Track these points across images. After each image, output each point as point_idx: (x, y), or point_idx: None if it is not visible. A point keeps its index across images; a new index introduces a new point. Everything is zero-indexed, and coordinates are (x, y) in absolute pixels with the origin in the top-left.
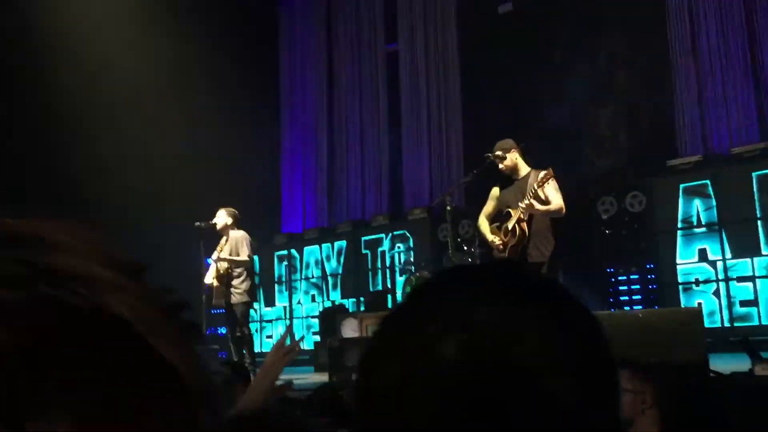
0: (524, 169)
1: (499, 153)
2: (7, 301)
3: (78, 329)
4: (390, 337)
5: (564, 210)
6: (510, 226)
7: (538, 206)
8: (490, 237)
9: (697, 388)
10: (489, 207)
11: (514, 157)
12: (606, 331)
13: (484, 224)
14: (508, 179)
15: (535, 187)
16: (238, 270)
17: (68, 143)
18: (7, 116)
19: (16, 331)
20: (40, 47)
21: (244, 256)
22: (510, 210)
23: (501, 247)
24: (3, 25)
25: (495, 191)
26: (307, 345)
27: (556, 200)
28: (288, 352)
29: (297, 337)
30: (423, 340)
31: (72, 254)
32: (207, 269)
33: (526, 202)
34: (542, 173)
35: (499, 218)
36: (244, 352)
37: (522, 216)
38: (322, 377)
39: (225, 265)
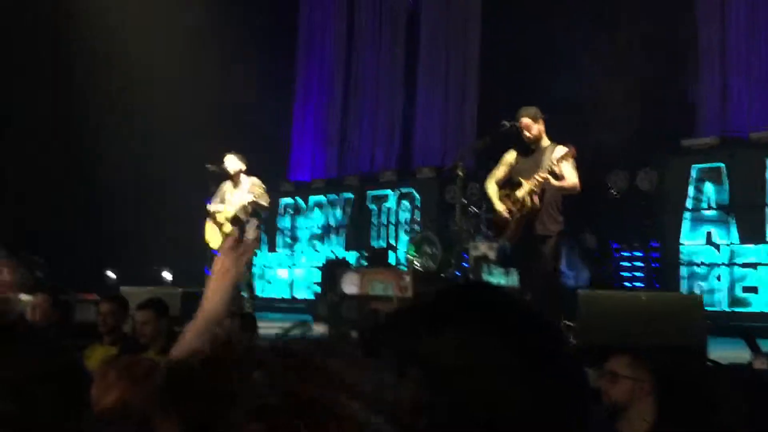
0: (545, 141)
1: (527, 121)
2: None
3: None
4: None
5: (578, 188)
6: (520, 196)
7: (553, 181)
8: (497, 203)
9: (695, 379)
10: (500, 171)
11: (540, 127)
12: (568, 345)
13: (492, 188)
14: (525, 147)
15: (555, 162)
16: (253, 216)
17: (82, 79)
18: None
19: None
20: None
21: (265, 203)
22: (522, 180)
23: (507, 215)
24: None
25: (510, 156)
26: (307, 295)
27: (572, 178)
28: (242, 254)
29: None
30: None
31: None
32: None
33: (542, 175)
34: (561, 149)
35: (508, 185)
36: (244, 294)
37: (534, 188)
38: (321, 329)
39: (245, 209)
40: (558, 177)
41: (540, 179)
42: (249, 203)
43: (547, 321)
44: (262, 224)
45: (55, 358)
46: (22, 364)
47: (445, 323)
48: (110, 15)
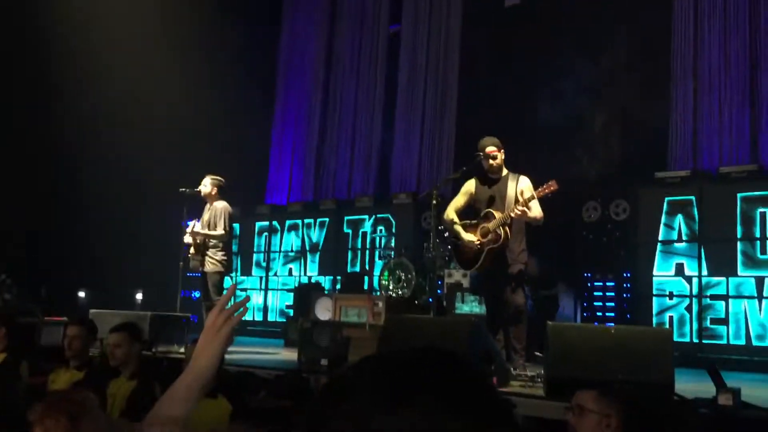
0: (504, 170)
1: (493, 149)
2: None
3: None
4: None
5: (543, 218)
6: (492, 228)
7: (529, 214)
8: (465, 235)
9: (661, 413)
10: (461, 201)
11: (502, 156)
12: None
13: (454, 218)
14: (483, 176)
15: (535, 195)
16: (214, 241)
17: (58, 103)
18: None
19: None
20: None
21: (220, 230)
22: (493, 211)
23: (478, 246)
24: None
25: (470, 186)
26: (280, 319)
27: (538, 209)
28: (232, 313)
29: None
30: None
31: None
32: (186, 230)
33: (520, 208)
34: (528, 184)
35: (468, 214)
36: None
37: (506, 220)
38: (292, 354)
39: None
40: (528, 208)
41: (519, 212)
42: (201, 234)
43: (495, 391)
44: (229, 248)
45: None
46: None
47: (402, 400)
48: (93, 41)
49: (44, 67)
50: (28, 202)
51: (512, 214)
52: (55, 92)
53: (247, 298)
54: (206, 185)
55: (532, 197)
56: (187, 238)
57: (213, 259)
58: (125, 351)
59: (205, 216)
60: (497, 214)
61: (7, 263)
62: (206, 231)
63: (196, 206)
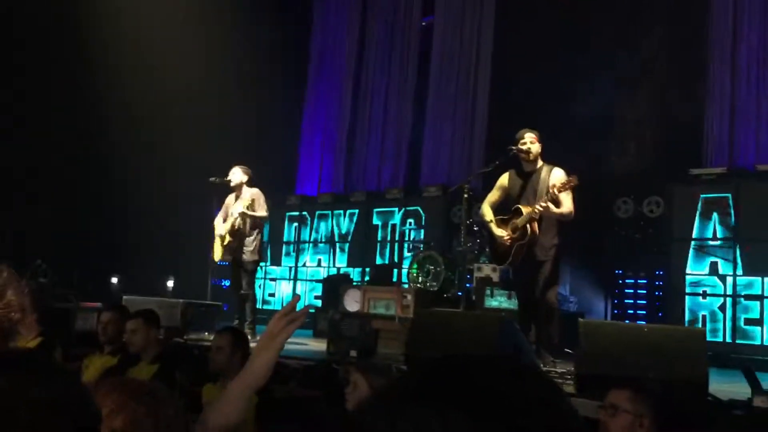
0: (540, 161)
1: (532, 136)
2: None
3: None
4: None
5: (573, 214)
6: (520, 224)
7: (554, 209)
8: (496, 230)
9: (694, 414)
10: (495, 195)
11: (539, 147)
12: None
13: (488, 213)
14: (519, 169)
15: (556, 192)
16: (252, 228)
17: (93, 95)
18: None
19: None
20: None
21: (262, 212)
22: (521, 207)
23: (508, 242)
24: None
25: (504, 180)
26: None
27: (568, 204)
28: (293, 321)
29: (301, 305)
30: None
31: None
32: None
33: (543, 204)
34: (559, 173)
35: (503, 209)
36: (247, 309)
37: (534, 216)
38: (321, 344)
39: (240, 221)
40: (557, 203)
41: (541, 208)
42: (240, 214)
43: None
44: (262, 237)
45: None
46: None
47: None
48: (130, 35)
49: (81, 63)
50: (62, 189)
51: (537, 209)
52: (90, 85)
53: (308, 307)
54: (237, 174)
55: (556, 194)
56: (221, 230)
57: (249, 248)
58: (143, 337)
59: (238, 204)
60: (525, 210)
61: (41, 248)
62: (253, 213)
63: (225, 195)
